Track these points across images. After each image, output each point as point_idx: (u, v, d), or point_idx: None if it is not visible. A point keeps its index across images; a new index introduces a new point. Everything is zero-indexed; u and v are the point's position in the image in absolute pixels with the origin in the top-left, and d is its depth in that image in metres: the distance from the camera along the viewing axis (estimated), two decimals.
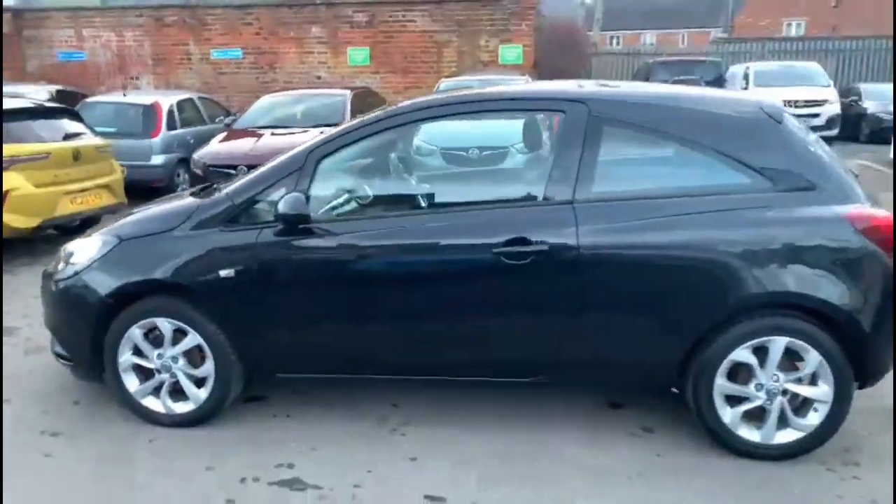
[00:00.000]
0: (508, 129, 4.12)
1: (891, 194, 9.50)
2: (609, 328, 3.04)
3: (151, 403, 3.34)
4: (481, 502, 2.77)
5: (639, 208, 2.99)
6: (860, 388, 3.12)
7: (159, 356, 3.28)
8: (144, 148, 9.61)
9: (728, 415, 3.04)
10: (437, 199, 3.38)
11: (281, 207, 3.01)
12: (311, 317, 3.19)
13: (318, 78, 13.06)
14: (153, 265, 3.21)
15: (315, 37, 13.20)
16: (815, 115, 14.31)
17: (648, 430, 3.29)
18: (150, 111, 9.97)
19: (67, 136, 6.85)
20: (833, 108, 14.41)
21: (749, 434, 3.05)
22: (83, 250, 3.40)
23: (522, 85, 3.60)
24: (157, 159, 9.64)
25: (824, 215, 2.91)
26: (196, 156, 8.61)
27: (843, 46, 18.40)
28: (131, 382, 3.33)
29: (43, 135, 6.56)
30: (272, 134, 8.83)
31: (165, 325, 3.24)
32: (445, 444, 3.18)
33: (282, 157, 3.29)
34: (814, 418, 3.01)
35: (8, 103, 6.50)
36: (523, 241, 2.96)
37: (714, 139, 3.02)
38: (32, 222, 6.22)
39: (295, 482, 2.90)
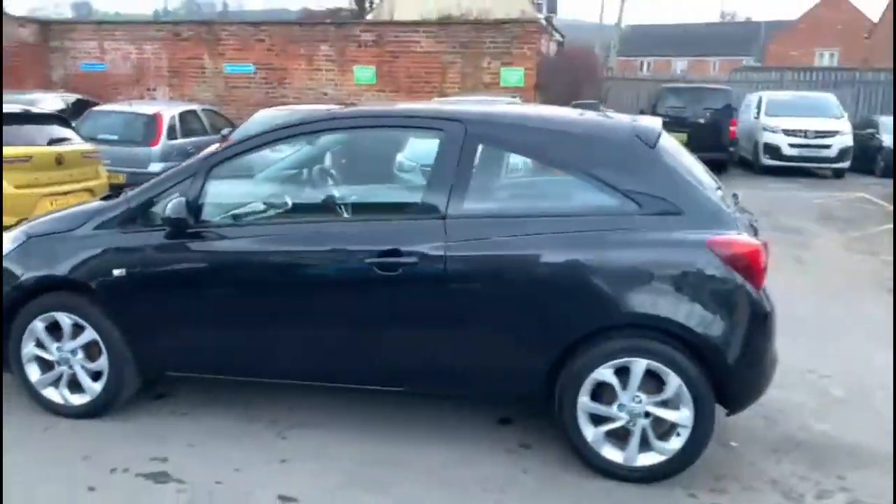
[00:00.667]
0: None
1: (883, 227, 9.37)
2: (474, 341, 3.10)
3: (51, 394, 3.49)
4: None
5: (505, 225, 3.06)
6: (728, 414, 3.14)
7: (59, 349, 3.43)
8: (144, 155, 9.97)
9: (591, 433, 3.07)
10: (321, 210, 3.49)
11: (166, 211, 3.15)
12: (194, 319, 3.31)
13: (325, 94, 13.35)
14: (54, 262, 3.38)
15: (324, 54, 13.52)
16: (826, 147, 14.13)
17: (526, 447, 3.33)
18: (152, 121, 10.34)
19: (53, 142, 7.15)
20: (845, 139, 14.19)
21: (612, 454, 3.07)
22: (4, 244, 3.59)
23: (411, 104, 3.73)
24: (156, 167, 9.95)
25: (686, 240, 2.94)
26: None
27: (868, 78, 18.14)
28: (33, 373, 3.49)
29: (29, 139, 6.87)
30: None
31: (64, 319, 3.39)
32: (320, 448, 3.26)
33: (181, 164, 3.44)
34: (675, 443, 3.02)
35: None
36: (395, 253, 3.06)
37: (583, 161, 3.08)
38: (10, 221, 6.50)
39: (161, 475, 3.01)
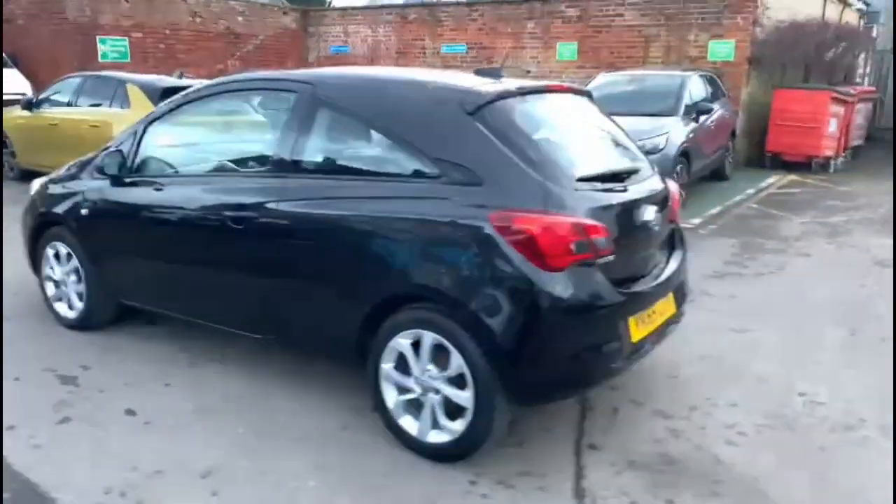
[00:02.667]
0: None
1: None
2: (300, 296, 3.25)
3: (58, 307, 4.38)
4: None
5: (327, 187, 3.14)
6: (516, 405, 2.88)
7: (61, 272, 4.31)
8: None
9: (392, 400, 3.05)
10: (210, 167, 3.83)
11: (96, 162, 3.79)
12: (124, 256, 3.95)
13: (528, 72, 13.42)
14: (54, 202, 4.24)
15: (529, 32, 13.56)
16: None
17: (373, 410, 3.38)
18: None
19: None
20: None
21: (409, 425, 3.02)
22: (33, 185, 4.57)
23: (271, 72, 3.89)
24: None
25: (472, 212, 2.76)
26: None
27: None
28: (49, 290, 4.42)
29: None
30: None
31: (60, 248, 4.25)
32: (199, 378, 3.69)
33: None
34: (459, 424, 2.87)
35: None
36: (241, 208, 3.32)
37: (402, 126, 3.02)
38: None
39: (70, 378, 3.69)
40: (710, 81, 10.06)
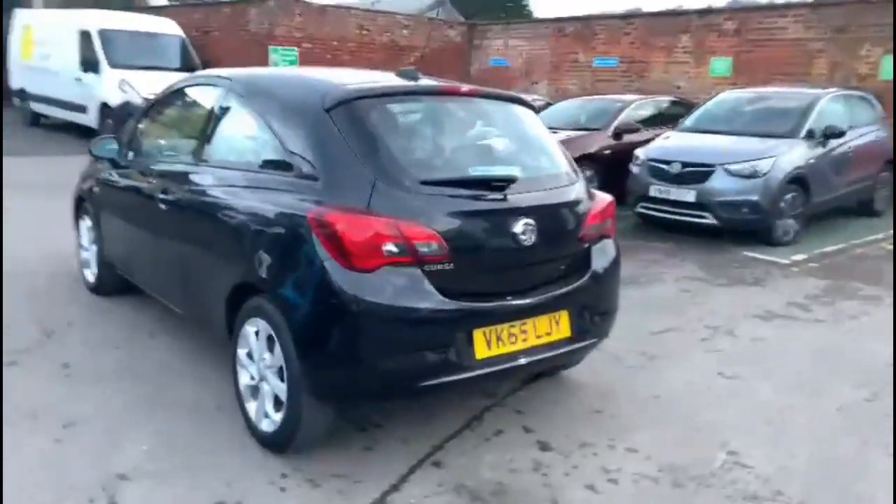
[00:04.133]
0: None
1: None
2: (189, 276, 3.51)
3: (85, 272, 5.01)
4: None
5: (216, 175, 3.33)
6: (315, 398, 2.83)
7: (86, 241, 4.92)
8: None
9: (242, 384, 3.14)
10: (159, 153, 4.14)
11: (90, 148, 4.30)
12: (109, 229, 4.43)
13: (678, 87, 12.63)
14: (85, 180, 4.86)
15: (682, 46, 12.75)
16: None
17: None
18: None
19: None
20: None
21: (251, 409, 3.09)
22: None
23: (208, 70, 4.09)
24: None
25: (299, 207, 2.79)
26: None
27: None
28: (81, 255, 5.06)
29: None
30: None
31: (86, 220, 4.87)
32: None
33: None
34: (277, 416, 2.89)
35: None
36: (167, 191, 3.62)
37: (276, 121, 3.10)
38: None
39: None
40: (861, 102, 8.82)
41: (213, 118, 3.49)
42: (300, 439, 2.87)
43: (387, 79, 3.33)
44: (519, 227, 2.89)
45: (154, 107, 4.32)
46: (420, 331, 2.72)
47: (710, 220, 7.26)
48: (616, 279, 3.48)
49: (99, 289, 4.82)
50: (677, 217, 7.53)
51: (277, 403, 2.91)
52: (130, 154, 4.27)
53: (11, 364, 3.73)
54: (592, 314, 3.28)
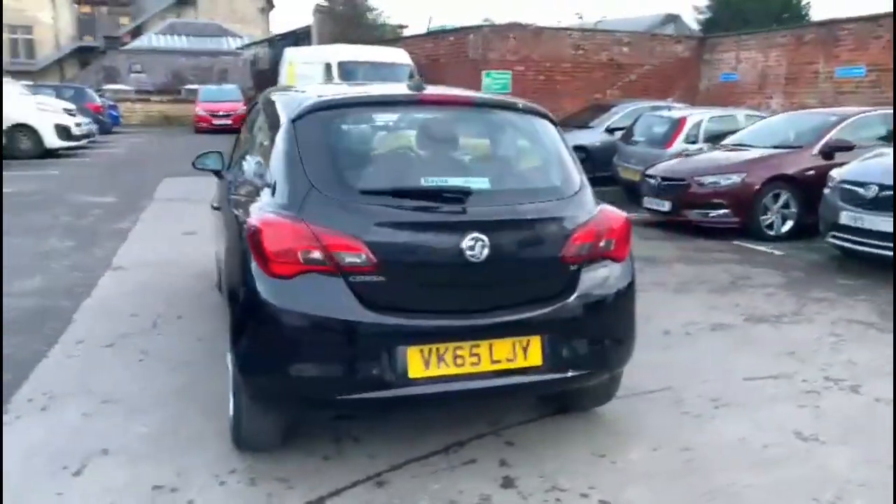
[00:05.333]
0: None
1: None
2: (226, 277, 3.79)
3: None
4: None
5: (232, 184, 3.60)
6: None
7: None
8: (655, 157, 10.69)
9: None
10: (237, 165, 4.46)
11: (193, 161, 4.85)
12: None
13: None
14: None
15: None
16: None
17: None
18: (675, 124, 10.89)
19: None
20: None
21: (231, 405, 3.22)
22: None
23: None
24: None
25: (250, 213, 2.88)
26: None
27: None
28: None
29: None
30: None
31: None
32: None
33: None
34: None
35: None
36: (221, 198, 3.99)
37: (263, 132, 3.27)
38: None
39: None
40: None
41: (246, 132, 3.78)
42: (249, 439, 2.96)
43: (338, 90, 3.33)
44: (466, 241, 2.70)
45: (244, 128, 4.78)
46: (338, 342, 2.66)
47: None
48: (623, 307, 3.07)
49: (219, 284, 5.41)
50: (868, 249, 6.30)
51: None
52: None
53: (109, 346, 4.37)
54: (580, 344, 2.93)
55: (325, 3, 23.49)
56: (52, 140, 15.63)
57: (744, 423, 3.47)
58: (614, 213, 3.10)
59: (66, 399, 3.62)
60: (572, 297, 2.90)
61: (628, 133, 11.82)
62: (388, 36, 21.95)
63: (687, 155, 9.57)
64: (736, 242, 7.99)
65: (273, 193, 2.85)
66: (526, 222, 2.87)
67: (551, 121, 3.31)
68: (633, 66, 15.79)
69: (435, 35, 17.39)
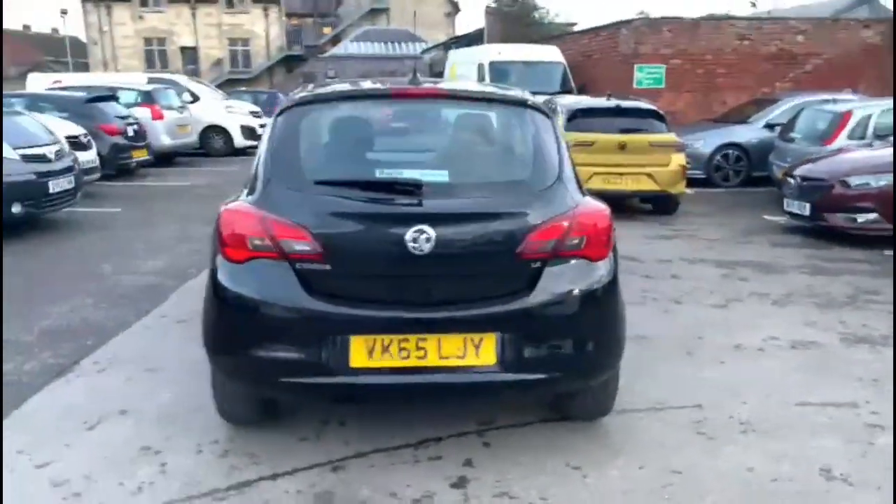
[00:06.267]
0: None
1: None
2: None
3: None
4: None
5: None
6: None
7: None
8: (812, 153, 9.64)
9: None
10: None
11: None
12: None
13: None
14: None
15: None
16: None
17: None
18: (838, 119, 9.74)
19: (624, 130, 8.68)
20: None
21: None
22: None
23: None
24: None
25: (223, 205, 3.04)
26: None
27: None
28: None
29: (600, 128, 8.68)
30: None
31: None
32: None
33: None
34: None
35: (582, 103, 8.88)
36: None
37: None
38: None
39: None
40: None
41: None
42: (225, 412, 3.15)
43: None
44: (410, 234, 2.66)
45: None
46: (283, 326, 2.74)
47: None
48: (599, 310, 2.85)
49: None
50: None
51: None
52: None
53: (181, 321, 4.79)
54: (542, 346, 2.77)
55: (494, 4, 23.75)
56: (240, 140, 17.31)
57: (764, 452, 3.08)
58: (592, 210, 2.90)
59: (122, 365, 4.06)
60: (531, 296, 2.75)
61: (787, 128, 10.76)
62: (554, 33, 21.70)
63: (838, 152, 8.51)
64: (888, 252, 6.99)
65: (247, 183, 3.01)
66: (479, 216, 2.76)
67: (542, 112, 3.16)
68: (810, 56, 14.26)
69: (591, 31, 16.91)
